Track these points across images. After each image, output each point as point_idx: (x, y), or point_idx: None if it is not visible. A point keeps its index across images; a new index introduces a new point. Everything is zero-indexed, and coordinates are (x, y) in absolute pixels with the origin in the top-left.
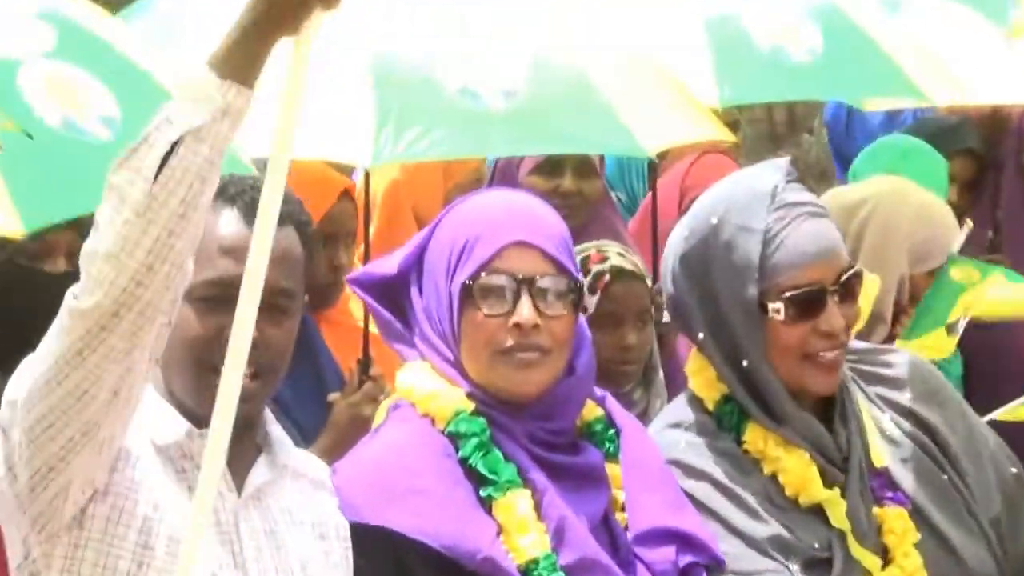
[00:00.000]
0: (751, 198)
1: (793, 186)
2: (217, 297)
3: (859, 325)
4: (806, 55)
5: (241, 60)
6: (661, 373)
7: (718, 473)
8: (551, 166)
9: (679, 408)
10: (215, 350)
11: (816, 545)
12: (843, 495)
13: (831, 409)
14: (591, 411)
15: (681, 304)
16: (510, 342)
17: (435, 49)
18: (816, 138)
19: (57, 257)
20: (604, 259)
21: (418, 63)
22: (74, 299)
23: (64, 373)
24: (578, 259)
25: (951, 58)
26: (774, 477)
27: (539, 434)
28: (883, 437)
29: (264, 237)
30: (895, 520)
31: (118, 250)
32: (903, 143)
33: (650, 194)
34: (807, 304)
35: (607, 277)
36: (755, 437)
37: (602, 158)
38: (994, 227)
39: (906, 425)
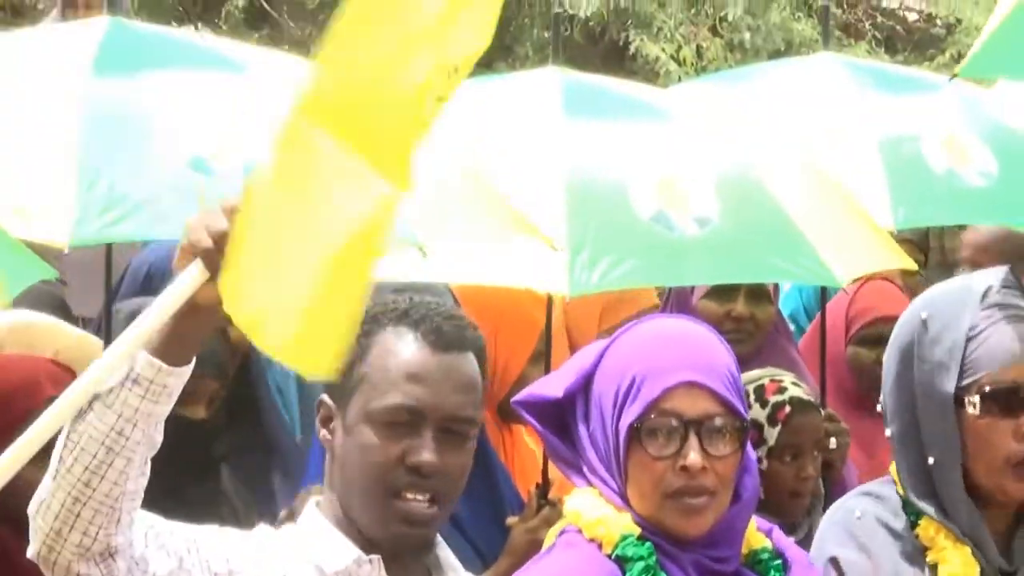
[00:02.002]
0: (963, 297)
1: (1009, 291)
2: (401, 423)
3: None
4: (980, 179)
5: (161, 336)
6: (822, 500)
7: (882, 549)
8: (724, 291)
9: (879, 482)
10: (400, 475)
11: None
12: None
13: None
14: (758, 540)
15: (885, 396)
16: (678, 484)
17: (627, 173)
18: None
19: (199, 404)
20: (782, 390)
21: (611, 188)
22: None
23: None
24: (751, 387)
25: None
26: (935, 567)
27: (705, 562)
28: None
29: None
30: None
31: (33, 511)
32: None
33: (819, 316)
34: (1005, 402)
35: (788, 408)
36: (928, 525)
37: (776, 284)
38: None
39: None
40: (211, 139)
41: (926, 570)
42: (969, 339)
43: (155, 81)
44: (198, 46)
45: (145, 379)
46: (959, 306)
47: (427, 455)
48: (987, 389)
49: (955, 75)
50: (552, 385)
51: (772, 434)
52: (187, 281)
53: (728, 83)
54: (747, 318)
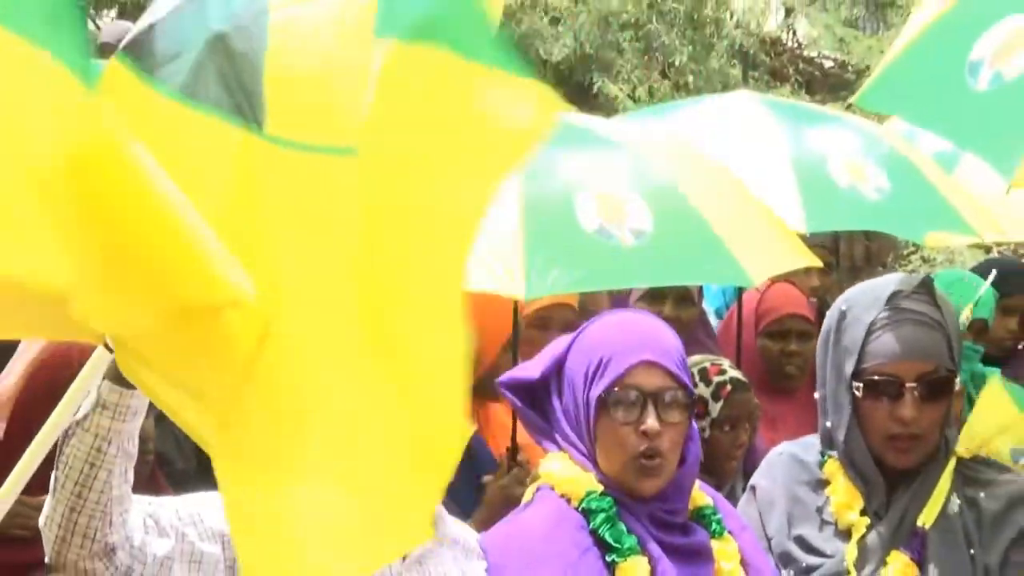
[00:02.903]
0: (874, 296)
1: (918, 297)
2: None
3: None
4: (876, 194)
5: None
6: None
7: (788, 478)
8: (655, 296)
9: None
10: None
11: (830, 553)
12: (867, 531)
13: (909, 475)
14: (702, 498)
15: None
16: (638, 446)
17: (574, 191)
18: (887, 271)
19: None
20: (722, 372)
21: (560, 204)
22: None
23: None
24: (696, 369)
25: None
26: (828, 497)
27: (658, 514)
28: (942, 511)
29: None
30: (898, 561)
31: (42, 525)
32: (955, 275)
33: (735, 307)
34: (884, 390)
35: (728, 387)
36: (832, 463)
37: (700, 287)
38: None
39: (967, 510)
40: None
41: (822, 498)
42: (869, 332)
43: None
44: None
45: (111, 403)
46: (869, 303)
47: None
48: (872, 377)
49: (849, 105)
50: (530, 369)
51: (715, 408)
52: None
53: (664, 114)
54: (673, 319)
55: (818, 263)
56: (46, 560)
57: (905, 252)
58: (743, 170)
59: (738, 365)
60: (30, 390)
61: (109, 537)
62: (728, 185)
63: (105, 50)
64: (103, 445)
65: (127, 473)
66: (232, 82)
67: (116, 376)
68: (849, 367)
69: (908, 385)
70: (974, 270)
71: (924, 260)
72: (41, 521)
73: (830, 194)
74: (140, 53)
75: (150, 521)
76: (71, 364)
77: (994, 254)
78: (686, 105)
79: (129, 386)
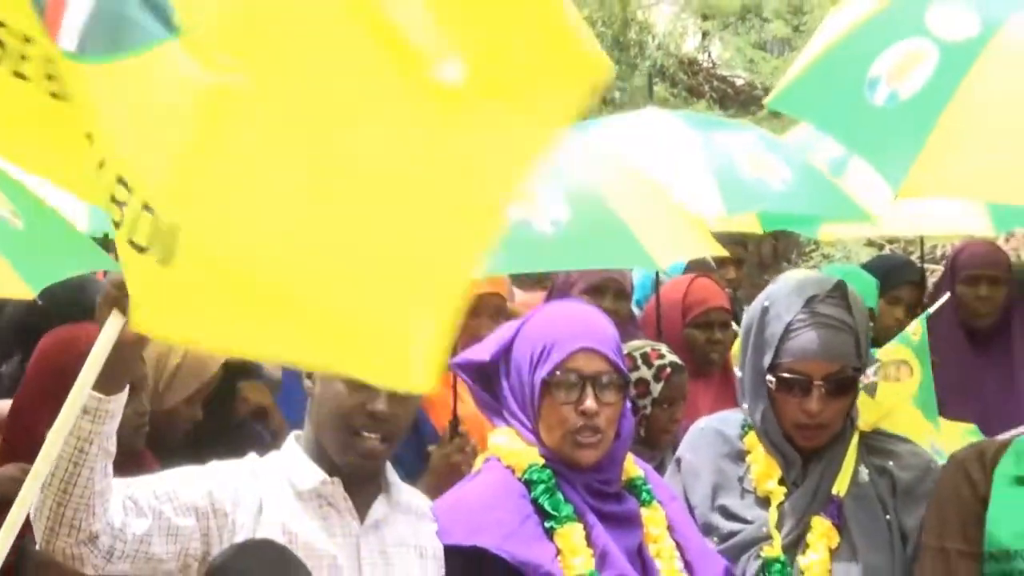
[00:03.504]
0: (793, 297)
1: (833, 301)
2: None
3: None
4: (782, 185)
5: (102, 375)
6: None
7: (711, 450)
8: (595, 290)
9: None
10: (360, 418)
11: (750, 519)
12: (785, 499)
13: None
14: (634, 470)
15: (740, 352)
16: (577, 423)
17: None
18: (792, 266)
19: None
20: (662, 356)
21: None
22: None
23: None
24: (638, 354)
25: None
26: (749, 467)
27: (593, 484)
28: (853, 480)
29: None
30: (820, 526)
31: (34, 517)
32: (847, 269)
33: (654, 299)
34: (793, 386)
35: (668, 370)
36: (752, 435)
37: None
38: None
39: (878, 478)
40: None
41: (743, 468)
42: (787, 331)
43: None
44: None
45: (92, 408)
46: (788, 304)
47: (381, 405)
48: (785, 374)
49: (762, 106)
50: (480, 352)
51: (656, 388)
52: (112, 329)
53: (586, 128)
54: (612, 311)
55: (722, 252)
56: (36, 547)
57: (807, 249)
58: (665, 170)
59: None
60: (39, 368)
61: (93, 526)
62: (641, 184)
63: None
64: (85, 446)
65: (107, 468)
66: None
67: (98, 384)
68: (767, 360)
69: (816, 383)
70: (864, 265)
71: (824, 256)
72: (32, 514)
73: (741, 183)
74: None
75: (129, 503)
76: (79, 345)
77: (886, 251)
78: (605, 120)
79: (108, 392)
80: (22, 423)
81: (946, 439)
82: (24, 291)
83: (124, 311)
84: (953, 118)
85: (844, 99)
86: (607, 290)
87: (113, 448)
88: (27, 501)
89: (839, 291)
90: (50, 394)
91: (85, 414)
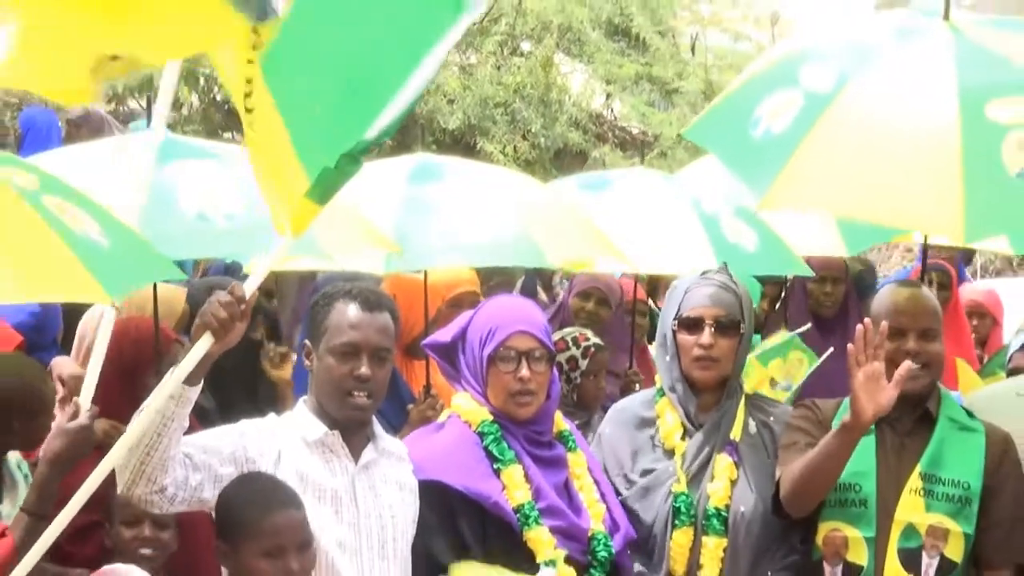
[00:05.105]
0: (693, 275)
1: (719, 273)
2: (348, 352)
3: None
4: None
5: (193, 372)
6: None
7: (627, 420)
8: (583, 295)
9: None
10: (349, 382)
11: (657, 468)
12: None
13: (721, 400)
14: (562, 425)
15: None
16: (516, 387)
17: (445, 205)
18: None
19: (259, 327)
20: (587, 338)
21: (437, 216)
22: None
23: None
24: (569, 337)
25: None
26: (658, 429)
27: (530, 435)
28: (744, 429)
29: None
30: (723, 462)
31: (120, 466)
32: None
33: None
34: (687, 326)
35: (593, 348)
36: (662, 400)
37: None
38: (784, 322)
39: (763, 430)
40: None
41: (653, 429)
42: (685, 293)
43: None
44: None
45: (177, 395)
46: (690, 279)
47: (364, 370)
48: (684, 317)
49: (679, 135)
50: (444, 335)
51: (583, 363)
52: (203, 346)
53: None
54: (594, 313)
55: (622, 256)
56: (118, 491)
57: None
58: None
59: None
60: (118, 363)
61: (164, 480)
62: (558, 207)
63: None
64: (168, 423)
65: (180, 438)
66: None
67: (184, 378)
68: (672, 315)
69: (707, 322)
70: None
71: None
72: (118, 466)
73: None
74: None
75: (187, 460)
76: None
77: None
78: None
79: (191, 384)
80: (104, 386)
81: (782, 369)
82: (104, 298)
83: (216, 335)
84: (807, 150)
85: (733, 133)
86: (591, 296)
87: (186, 424)
88: (115, 457)
89: (724, 269)
90: (117, 369)
91: (171, 399)
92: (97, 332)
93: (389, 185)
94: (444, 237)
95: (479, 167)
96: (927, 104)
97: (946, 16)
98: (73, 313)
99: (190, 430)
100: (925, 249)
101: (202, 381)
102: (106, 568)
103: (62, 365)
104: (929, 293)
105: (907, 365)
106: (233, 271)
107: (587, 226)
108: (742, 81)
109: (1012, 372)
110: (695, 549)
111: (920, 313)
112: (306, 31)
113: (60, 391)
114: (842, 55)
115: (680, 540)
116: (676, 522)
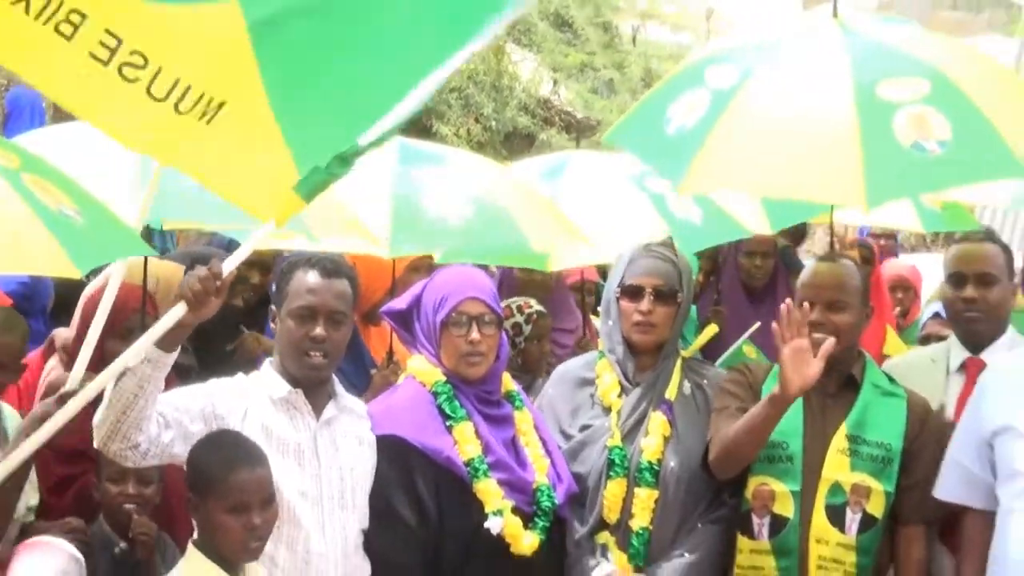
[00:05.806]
0: (636, 244)
1: (661, 246)
2: (305, 315)
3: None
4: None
5: (164, 338)
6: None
7: (568, 379)
8: (573, 288)
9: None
10: (307, 343)
11: (595, 424)
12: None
13: (658, 362)
14: (510, 385)
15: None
16: (467, 349)
17: (430, 192)
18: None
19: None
20: (531, 306)
21: (417, 202)
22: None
23: None
24: (514, 306)
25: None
26: (597, 388)
27: (480, 394)
28: (679, 389)
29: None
30: (656, 420)
31: (97, 423)
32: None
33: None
34: (628, 293)
35: (535, 316)
36: (602, 361)
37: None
38: (718, 293)
39: (697, 392)
40: None
41: (593, 388)
42: (629, 262)
43: None
44: None
45: (153, 358)
46: (633, 251)
47: (319, 331)
48: (626, 284)
49: (595, 132)
50: (400, 303)
51: (527, 329)
52: (176, 313)
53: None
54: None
55: (586, 240)
56: (94, 446)
57: None
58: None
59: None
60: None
61: (138, 438)
62: (530, 195)
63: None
64: (145, 384)
65: (155, 399)
66: None
67: (160, 343)
68: (616, 283)
69: (647, 291)
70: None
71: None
72: (95, 421)
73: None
74: None
75: (160, 419)
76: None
77: None
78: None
79: (167, 349)
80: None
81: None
82: (73, 271)
83: (190, 306)
84: (717, 137)
85: (649, 132)
86: (579, 288)
87: (162, 387)
88: (87, 393)
89: (667, 242)
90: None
91: (148, 362)
92: (102, 299)
93: (379, 169)
94: (435, 224)
95: (468, 155)
96: (824, 88)
97: (835, 14)
98: (66, 285)
99: (169, 386)
100: (832, 226)
101: (177, 350)
102: (33, 540)
103: (62, 334)
104: (844, 266)
105: (831, 341)
106: (234, 249)
107: (556, 212)
108: (654, 89)
109: (924, 340)
110: (628, 500)
111: (824, 286)
112: (315, 31)
113: (59, 362)
114: (744, 55)
115: (614, 490)
116: (611, 473)
